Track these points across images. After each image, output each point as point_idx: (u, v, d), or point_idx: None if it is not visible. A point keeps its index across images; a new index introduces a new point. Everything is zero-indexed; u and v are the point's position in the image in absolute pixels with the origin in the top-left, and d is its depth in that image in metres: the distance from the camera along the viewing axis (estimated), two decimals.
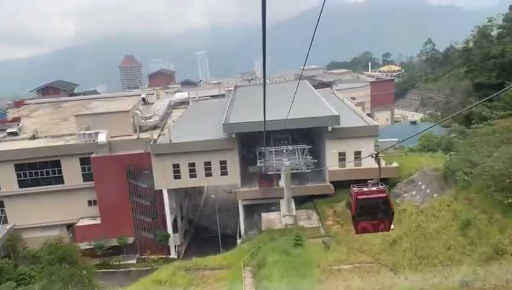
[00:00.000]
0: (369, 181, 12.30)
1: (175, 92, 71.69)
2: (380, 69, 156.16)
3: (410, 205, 27.39)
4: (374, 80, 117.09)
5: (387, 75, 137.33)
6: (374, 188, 12.12)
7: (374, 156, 12.36)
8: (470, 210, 24.84)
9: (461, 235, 23.18)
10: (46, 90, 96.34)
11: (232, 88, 66.69)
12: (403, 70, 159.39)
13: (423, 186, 38.61)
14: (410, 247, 23.42)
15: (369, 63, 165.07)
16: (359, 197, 11.86)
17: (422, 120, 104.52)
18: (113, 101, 57.80)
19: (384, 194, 12.11)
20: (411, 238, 23.99)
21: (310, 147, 38.44)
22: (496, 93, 33.20)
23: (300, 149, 37.86)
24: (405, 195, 39.93)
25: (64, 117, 60.11)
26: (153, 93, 70.75)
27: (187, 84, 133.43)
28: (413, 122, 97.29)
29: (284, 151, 38.76)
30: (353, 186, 12.35)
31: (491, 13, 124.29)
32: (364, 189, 12.09)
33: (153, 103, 62.68)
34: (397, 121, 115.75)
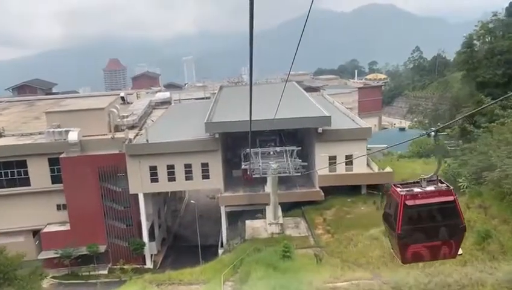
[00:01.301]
0: (423, 177, 8.41)
1: (156, 91, 68.24)
2: (366, 77, 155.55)
3: None
4: (361, 85, 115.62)
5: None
6: (432, 188, 8.24)
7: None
8: (488, 220, 22.15)
9: (479, 249, 20.37)
10: (22, 89, 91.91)
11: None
12: (389, 79, 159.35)
13: None
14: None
15: (356, 71, 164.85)
16: (408, 203, 7.97)
17: (411, 127, 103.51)
18: (88, 99, 54.15)
19: (450, 198, 8.19)
20: None
21: (299, 148, 35.47)
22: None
23: (289, 151, 34.84)
24: None
25: (37, 116, 56.09)
26: (132, 93, 67.09)
27: (171, 87, 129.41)
28: (402, 129, 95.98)
29: (271, 153, 35.77)
30: (396, 186, 8.42)
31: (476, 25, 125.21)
32: (416, 190, 8.22)
33: (132, 103, 59.19)
34: (385, 128, 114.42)
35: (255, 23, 5.36)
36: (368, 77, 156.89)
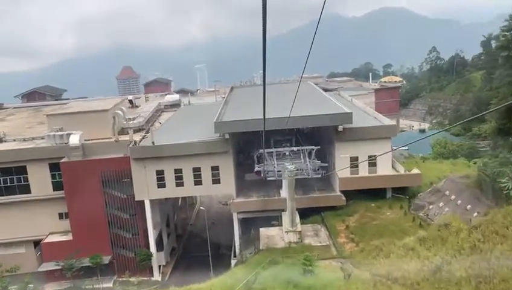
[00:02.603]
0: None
1: (166, 94, 65.76)
2: (380, 80, 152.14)
3: (456, 219, 20.99)
4: (378, 87, 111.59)
5: None
6: None
7: None
8: None
9: None
10: (32, 96, 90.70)
11: None
12: (404, 81, 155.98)
13: (452, 197, 32.49)
14: (467, 277, 16.70)
15: (370, 74, 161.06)
16: None
17: (430, 129, 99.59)
18: (93, 102, 51.82)
19: None
20: (465, 264, 17.39)
21: (318, 147, 32.10)
22: None
23: (307, 151, 31.46)
24: (430, 207, 33.78)
25: (41, 121, 53.89)
26: (139, 97, 64.73)
27: (183, 92, 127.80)
28: (422, 131, 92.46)
29: (287, 153, 32.53)
30: None
31: (488, 27, 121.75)
32: None
33: (140, 106, 56.79)
34: (403, 131, 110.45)
35: (268, 28, 5.36)
36: (383, 79, 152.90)
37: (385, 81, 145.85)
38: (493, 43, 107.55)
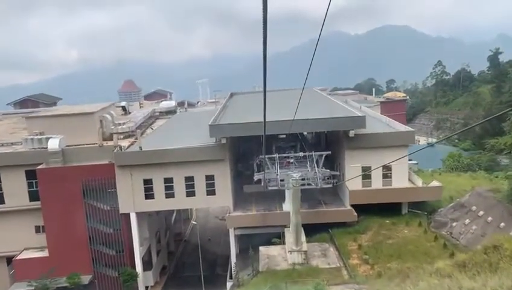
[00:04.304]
0: None
1: (161, 100, 62.24)
2: (384, 95, 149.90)
3: (509, 240, 16.96)
4: (383, 100, 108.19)
5: None
6: None
7: None
8: None
9: None
10: (24, 103, 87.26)
11: None
12: (408, 97, 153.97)
13: (480, 213, 28.37)
14: None
15: (373, 89, 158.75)
16: None
17: (439, 143, 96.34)
18: (81, 106, 48.09)
19: None
20: None
21: (329, 153, 27.99)
22: None
23: (315, 157, 27.34)
24: (454, 224, 29.63)
25: (27, 126, 50.27)
26: (132, 104, 61.12)
27: (183, 104, 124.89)
28: (431, 145, 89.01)
29: (291, 161, 28.50)
30: None
31: (490, 46, 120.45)
32: None
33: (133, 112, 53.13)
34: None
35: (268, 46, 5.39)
36: (387, 95, 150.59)
37: (389, 97, 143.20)
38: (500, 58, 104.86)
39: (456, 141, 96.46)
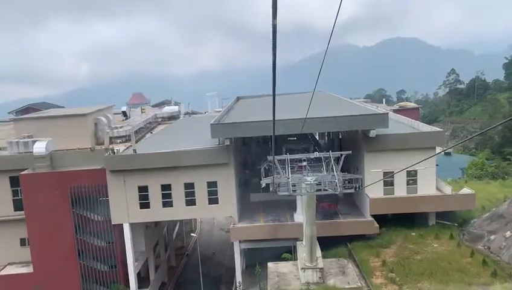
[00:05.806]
0: None
1: (164, 106, 59.31)
2: (395, 105, 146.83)
3: None
4: (396, 108, 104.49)
5: None
6: None
7: None
8: None
9: None
10: (26, 112, 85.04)
11: None
12: (421, 106, 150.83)
13: None
14: None
15: (384, 100, 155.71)
16: None
17: (456, 152, 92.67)
18: (76, 109, 45.20)
19: None
20: None
21: (349, 152, 24.26)
22: None
23: (333, 159, 23.60)
24: (492, 237, 25.71)
25: None
26: (134, 110, 58.28)
27: (191, 114, 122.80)
28: (448, 154, 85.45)
29: (304, 163, 24.90)
30: None
31: (502, 56, 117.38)
32: None
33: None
34: None
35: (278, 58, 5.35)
36: (398, 104, 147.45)
37: (401, 105, 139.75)
38: None
39: (473, 150, 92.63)
